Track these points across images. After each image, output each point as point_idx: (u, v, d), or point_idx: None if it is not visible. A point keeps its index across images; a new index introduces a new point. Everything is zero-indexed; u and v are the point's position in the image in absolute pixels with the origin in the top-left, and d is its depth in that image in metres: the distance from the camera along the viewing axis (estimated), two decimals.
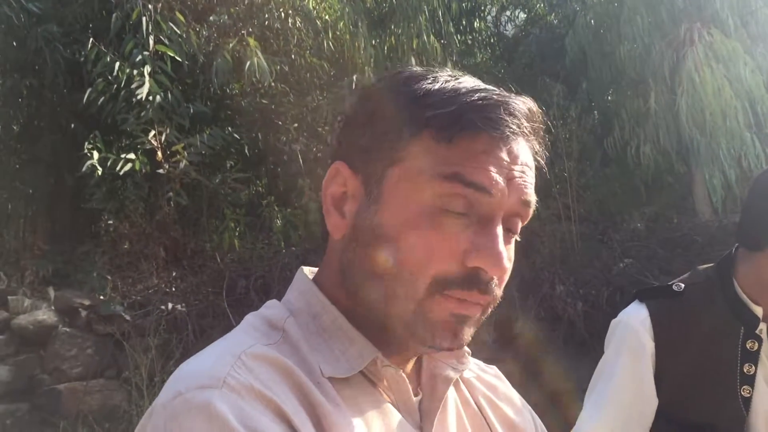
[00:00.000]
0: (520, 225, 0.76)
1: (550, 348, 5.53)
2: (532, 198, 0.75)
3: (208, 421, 0.60)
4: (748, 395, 1.43)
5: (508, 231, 0.75)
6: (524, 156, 0.73)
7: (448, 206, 0.70)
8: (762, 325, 1.44)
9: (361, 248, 0.74)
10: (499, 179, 0.70)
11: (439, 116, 0.70)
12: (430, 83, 0.74)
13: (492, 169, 0.70)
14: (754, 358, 1.44)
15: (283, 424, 0.63)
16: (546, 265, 6.35)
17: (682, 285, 1.52)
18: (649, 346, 1.45)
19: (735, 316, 1.45)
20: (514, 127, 0.71)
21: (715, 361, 1.45)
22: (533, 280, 6.05)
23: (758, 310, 1.44)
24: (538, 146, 0.76)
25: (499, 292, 0.74)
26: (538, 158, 0.77)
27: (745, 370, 1.43)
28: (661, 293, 1.52)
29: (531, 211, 0.76)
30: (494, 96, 0.71)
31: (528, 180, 0.74)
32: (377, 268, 0.72)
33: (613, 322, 1.54)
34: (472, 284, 0.71)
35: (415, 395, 0.78)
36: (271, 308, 0.79)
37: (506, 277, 0.75)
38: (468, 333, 0.74)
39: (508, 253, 0.73)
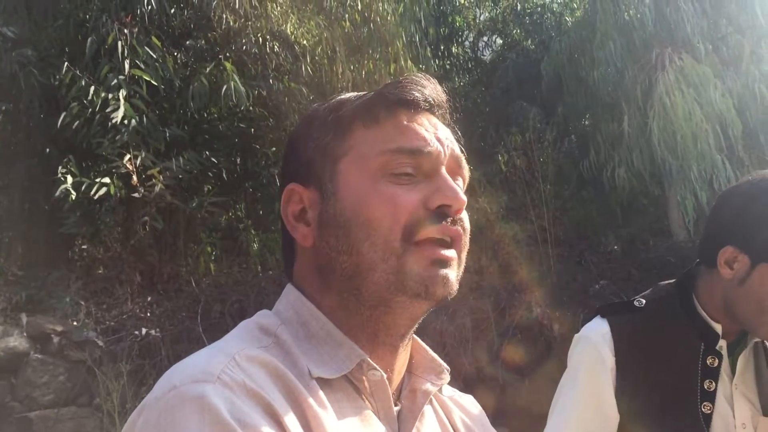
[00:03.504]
0: (462, 184, 0.84)
1: (527, 370, 5.52)
2: (462, 156, 0.84)
3: (200, 412, 0.62)
4: (709, 412, 1.43)
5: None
6: (441, 127, 0.83)
7: (396, 171, 0.78)
8: (722, 342, 1.45)
9: (333, 238, 0.78)
10: (431, 138, 0.80)
11: (360, 106, 0.82)
12: (344, 96, 0.86)
13: (422, 132, 0.80)
14: (714, 374, 1.44)
15: (273, 421, 0.65)
16: (523, 287, 6.36)
17: (644, 301, 1.52)
18: (610, 360, 1.45)
19: (695, 332, 1.45)
20: (425, 94, 0.81)
21: (676, 376, 1.44)
22: (509, 303, 6.05)
23: (717, 327, 1.44)
24: (449, 120, 0.86)
25: (466, 229, 0.81)
26: (454, 133, 0.86)
27: (705, 387, 1.43)
28: (622, 309, 1.53)
29: (467, 173, 0.85)
30: (403, 79, 0.82)
31: (453, 140, 0.84)
32: (353, 244, 0.76)
33: (576, 336, 1.54)
34: (440, 219, 0.77)
35: (395, 406, 0.81)
36: (264, 317, 0.81)
37: (467, 224, 0.81)
38: (454, 278, 0.78)
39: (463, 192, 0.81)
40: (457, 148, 0.84)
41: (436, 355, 0.89)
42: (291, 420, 0.66)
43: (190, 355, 0.73)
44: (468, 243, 0.82)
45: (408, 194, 0.76)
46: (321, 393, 0.72)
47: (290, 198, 0.83)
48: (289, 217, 0.83)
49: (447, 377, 0.88)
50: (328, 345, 0.77)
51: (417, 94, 0.81)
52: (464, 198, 0.79)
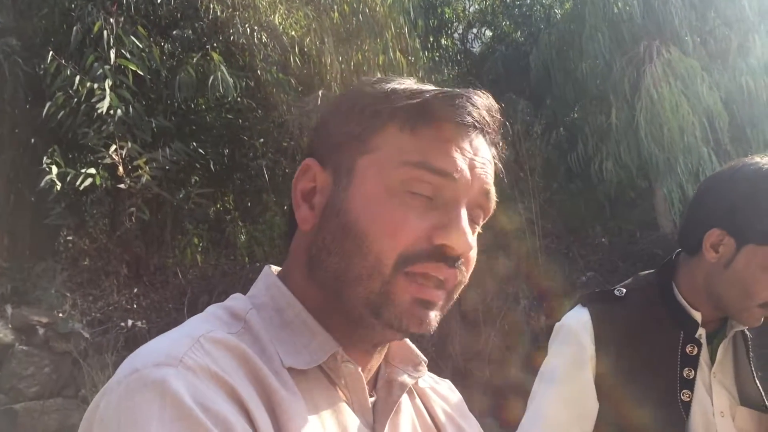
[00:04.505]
0: (482, 218, 0.79)
1: (514, 361, 5.54)
2: (493, 189, 0.78)
3: (162, 397, 0.60)
4: (688, 399, 1.43)
5: (472, 222, 0.76)
6: (484, 150, 0.78)
7: (415, 189, 0.73)
8: (701, 330, 1.45)
9: (330, 235, 0.75)
10: (463, 166, 0.74)
11: (403, 108, 0.75)
12: (396, 84, 0.79)
13: (456, 156, 0.74)
14: (693, 362, 1.44)
15: (237, 406, 0.63)
16: (510, 279, 6.38)
17: (624, 290, 1.53)
18: (590, 348, 1.45)
19: (674, 320, 1.46)
20: (475, 117, 0.75)
21: (656, 365, 1.45)
22: (497, 294, 6.06)
23: (697, 315, 1.45)
24: (497, 141, 0.81)
25: (465, 274, 0.77)
26: (498, 154, 0.81)
27: (684, 375, 1.44)
28: (603, 298, 1.53)
29: (492, 206, 0.79)
30: (456, 90, 0.76)
31: (488, 171, 0.77)
32: (345, 251, 0.73)
33: (557, 325, 1.54)
34: (439, 259, 0.73)
35: (371, 397, 0.79)
36: (235, 300, 0.79)
37: (472, 261, 0.78)
38: (434, 318, 0.75)
39: (472, 236, 0.76)
40: (490, 179, 0.78)
41: (413, 346, 0.87)
42: (256, 405, 0.65)
43: (154, 338, 0.71)
44: (466, 279, 0.78)
45: (416, 221, 0.72)
46: (290, 380, 0.70)
47: (304, 173, 0.80)
48: (296, 193, 0.80)
49: (424, 369, 0.87)
50: (301, 335, 0.75)
51: (467, 117, 0.75)
52: (471, 244, 0.74)
